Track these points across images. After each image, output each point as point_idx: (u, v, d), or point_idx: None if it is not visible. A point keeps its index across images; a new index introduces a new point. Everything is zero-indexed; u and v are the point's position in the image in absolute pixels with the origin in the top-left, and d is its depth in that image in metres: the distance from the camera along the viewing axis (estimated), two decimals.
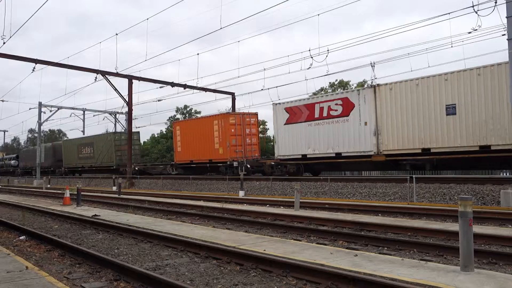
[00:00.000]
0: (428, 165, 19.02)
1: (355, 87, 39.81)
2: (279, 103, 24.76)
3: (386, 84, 19.76)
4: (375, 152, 19.92)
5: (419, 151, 18.56)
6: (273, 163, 25.13)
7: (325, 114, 21.95)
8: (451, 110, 17.49)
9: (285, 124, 23.99)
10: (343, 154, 21.26)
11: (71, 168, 47.36)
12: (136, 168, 35.63)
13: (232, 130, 27.04)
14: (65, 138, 72.21)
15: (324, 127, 21.92)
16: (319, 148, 22.25)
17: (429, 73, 18.97)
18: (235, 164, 26.37)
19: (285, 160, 24.17)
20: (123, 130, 42.44)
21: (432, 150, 18.20)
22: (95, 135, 44.66)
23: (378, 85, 19.94)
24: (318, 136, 22.26)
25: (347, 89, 40.55)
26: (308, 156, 22.88)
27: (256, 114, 29.56)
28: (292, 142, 23.54)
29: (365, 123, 20.21)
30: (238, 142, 27.10)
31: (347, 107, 20.98)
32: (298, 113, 23.33)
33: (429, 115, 18.16)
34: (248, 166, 26.17)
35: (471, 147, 17.05)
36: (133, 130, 37.16)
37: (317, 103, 22.55)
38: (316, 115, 22.35)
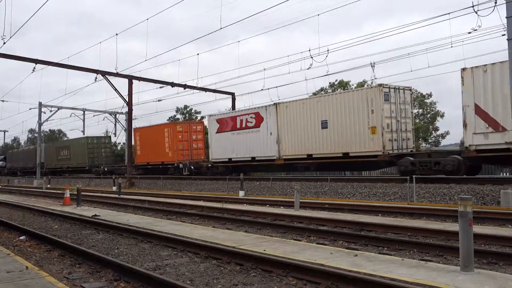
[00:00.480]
0: (312, 167, 23.88)
1: (355, 87, 39.83)
2: (212, 115, 29.70)
3: (284, 103, 24.47)
4: (277, 157, 24.46)
5: (306, 156, 22.98)
6: (209, 165, 29.38)
7: (244, 125, 26.48)
8: (324, 124, 21.88)
9: (216, 132, 28.49)
10: (256, 158, 25.71)
11: (51, 169, 50.30)
12: (106, 169, 40.32)
13: (180, 136, 31.96)
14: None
15: (243, 136, 26.45)
16: (240, 153, 26.67)
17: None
18: (180, 166, 30.98)
19: (217, 162, 28.69)
20: (123, 130, 42.65)
21: (313, 156, 22.59)
22: (71, 139, 50.60)
23: (278, 103, 24.62)
24: (239, 143, 26.63)
25: (347, 88, 40.63)
26: (232, 159, 27.37)
27: (202, 123, 35.14)
28: (222, 148, 27.93)
29: (271, 134, 24.68)
30: (185, 147, 32.06)
31: (259, 120, 25.47)
32: (226, 124, 27.79)
33: (311, 128, 22.54)
34: (192, 167, 30.55)
35: (337, 153, 21.38)
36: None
37: (238, 116, 27.17)
38: (238, 126, 26.85)
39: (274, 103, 24.66)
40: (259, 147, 25.17)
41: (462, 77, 16.75)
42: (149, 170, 35.10)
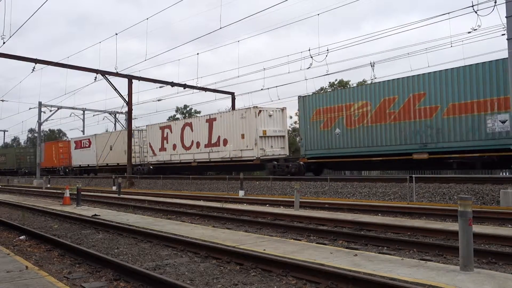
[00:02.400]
0: (109, 171, 40.64)
1: (356, 86, 39.83)
2: (73, 138, 48.73)
3: (99, 134, 42.87)
4: (100, 165, 40.90)
5: (106, 164, 40.11)
6: (73, 169, 47.18)
7: (84, 145, 44.27)
8: (112, 148, 38.33)
9: (74, 149, 46.51)
10: (89, 166, 43.46)
11: None
12: (26, 171, 54.18)
13: (61, 150, 49.95)
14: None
15: (85, 151, 44.14)
16: (84, 162, 44.50)
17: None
18: (60, 169, 49.45)
19: (75, 167, 46.57)
20: (123, 128, 42.72)
21: (108, 164, 39.75)
22: (5, 148, 73.90)
23: (96, 135, 42.73)
24: (83, 156, 44.38)
25: (347, 87, 40.65)
26: (81, 165, 45.55)
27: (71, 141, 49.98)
28: (77, 158, 45.83)
29: (95, 151, 41.43)
30: (65, 156, 49.42)
31: (90, 143, 42.97)
32: (77, 144, 45.87)
33: (106, 149, 38.94)
34: (67, 170, 48.57)
35: (115, 163, 38.94)
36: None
37: (81, 140, 45.24)
38: (82, 146, 44.75)
39: (94, 134, 42.85)
40: (90, 159, 42.46)
41: (147, 130, 35.67)
42: (48, 171, 51.35)
